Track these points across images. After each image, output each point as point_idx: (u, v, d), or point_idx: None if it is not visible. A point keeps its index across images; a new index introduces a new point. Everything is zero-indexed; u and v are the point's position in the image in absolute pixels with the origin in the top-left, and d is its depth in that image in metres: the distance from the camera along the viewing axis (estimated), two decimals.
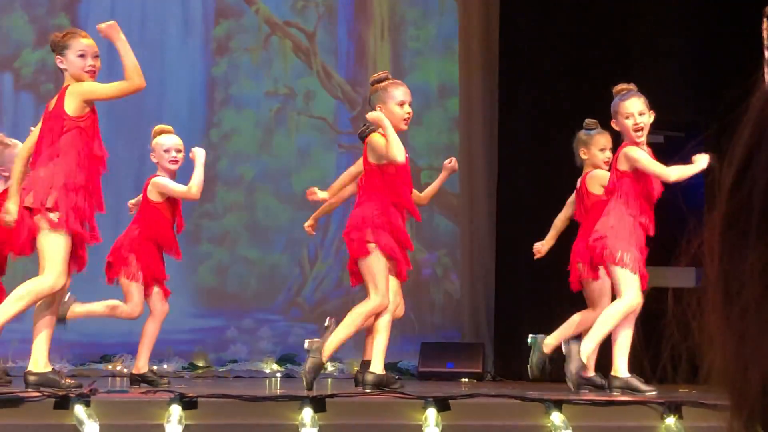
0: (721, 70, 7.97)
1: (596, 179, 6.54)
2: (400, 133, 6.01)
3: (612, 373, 6.07)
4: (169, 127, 6.54)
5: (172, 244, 6.40)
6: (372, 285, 5.92)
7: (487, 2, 9.00)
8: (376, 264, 5.92)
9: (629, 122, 6.05)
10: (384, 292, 5.93)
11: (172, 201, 6.41)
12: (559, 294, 6.78)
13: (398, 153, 5.86)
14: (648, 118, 6.05)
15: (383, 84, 6.05)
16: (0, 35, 8.72)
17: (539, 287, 7.95)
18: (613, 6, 8.38)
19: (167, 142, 6.41)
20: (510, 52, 8.73)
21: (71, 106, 5.56)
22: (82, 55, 5.63)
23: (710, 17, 8.27)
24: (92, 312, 6.27)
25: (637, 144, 6.05)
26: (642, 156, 6.01)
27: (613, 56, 8.17)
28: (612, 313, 6.08)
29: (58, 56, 5.66)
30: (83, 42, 5.67)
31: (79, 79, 5.62)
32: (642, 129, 6.06)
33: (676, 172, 5.93)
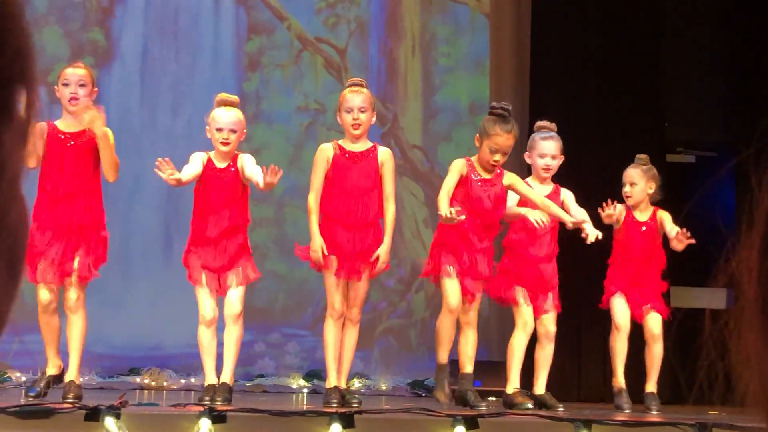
0: (754, 89, 7.94)
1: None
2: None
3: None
4: (234, 98, 5.99)
5: (218, 221, 5.88)
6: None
7: (519, 20, 9.00)
8: None
9: (540, 161, 6.50)
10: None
11: (209, 184, 5.91)
12: (587, 312, 6.75)
13: None
14: (557, 163, 6.48)
15: (342, 92, 6.20)
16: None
17: (566, 307, 7.91)
18: (646, 23, 8.36)
19: (222, 119, 5.87)
20: (541, 69, 8.72)
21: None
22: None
23: (744, 36, 8.23)
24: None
25: (541, 180, 6.52)
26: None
27: (645, 75, 8.14)
28: None
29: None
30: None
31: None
32: (550, 171, 6.50)
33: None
